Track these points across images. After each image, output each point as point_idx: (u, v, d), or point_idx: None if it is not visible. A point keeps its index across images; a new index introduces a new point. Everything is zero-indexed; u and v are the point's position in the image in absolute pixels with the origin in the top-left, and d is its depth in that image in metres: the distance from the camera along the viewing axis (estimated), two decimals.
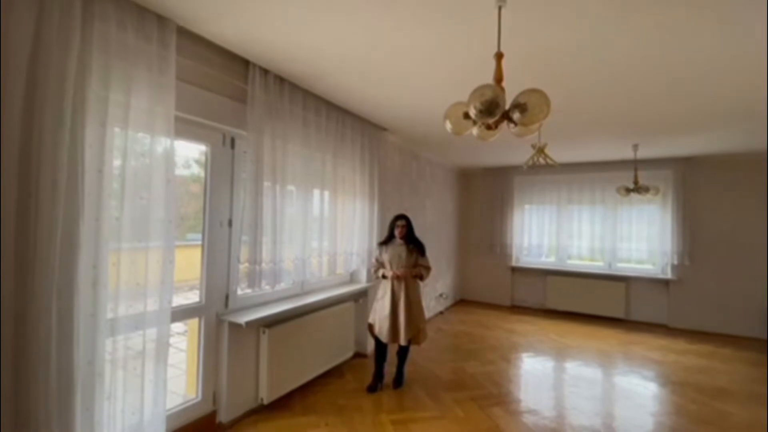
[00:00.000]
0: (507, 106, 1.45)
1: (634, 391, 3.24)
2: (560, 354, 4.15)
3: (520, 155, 5.39)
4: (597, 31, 1.92)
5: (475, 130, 1.69)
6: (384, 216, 3.98)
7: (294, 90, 2.73)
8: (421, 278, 3.14)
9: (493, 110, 1.41)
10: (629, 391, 3.26)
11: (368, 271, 3.83)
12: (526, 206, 6.38)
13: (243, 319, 2.45)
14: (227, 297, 2.56)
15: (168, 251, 1.92)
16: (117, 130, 1.75)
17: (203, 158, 2.48)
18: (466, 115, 1.56)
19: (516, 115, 1.43)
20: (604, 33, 1.95)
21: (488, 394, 3.10)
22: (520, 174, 6.31)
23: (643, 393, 3.22)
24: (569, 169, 5.72)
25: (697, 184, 5.13)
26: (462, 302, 6.60)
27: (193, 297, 2.50)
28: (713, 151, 4.72)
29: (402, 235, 3.13)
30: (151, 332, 1.92)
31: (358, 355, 3.77)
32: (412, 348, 3.27)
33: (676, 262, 5.20)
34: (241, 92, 2.44)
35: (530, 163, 3.30)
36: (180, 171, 2.83)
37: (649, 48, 2.09)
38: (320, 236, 3.08)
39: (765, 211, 4.75)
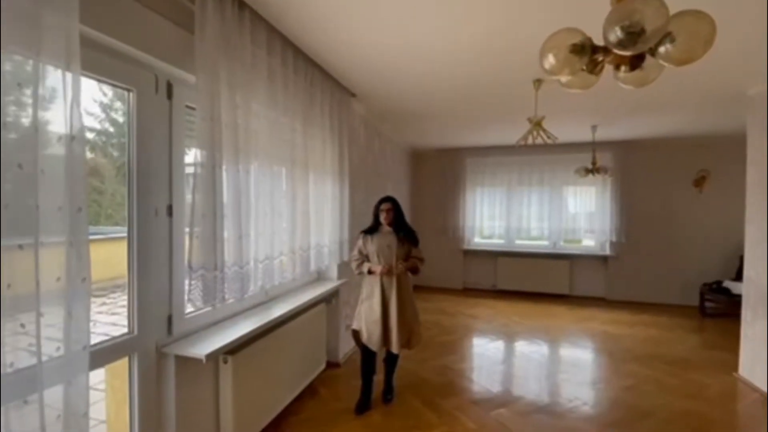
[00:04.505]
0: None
1: (621, 372, 3.21)
2: (531, 337, 4.08)
3: (475, 136, 5.22)
4: None
5: (565, 77, 1.23)
6: (353, 200, 3.40)
7: (257, 23, 1.97)
8: (416, 272, 2.66)
9: (638, 38, 0.97)
10: (617, 371, 3.24)
11: (339, 266, 3.23)
12: (478, 188, 6.29)
13: (199, 349, 1.70)
14: (170, 319, 1.76)
15: (75, 252, 1.13)
16: None
17: (125, 118, 1.63)
18: (576, 48, 1.10)
19: (665, 48, 1.00)
20: None
21: (487, 395, 2.81)
22: (471, 156, 6.19)
23: (630, 372, 3.19)
24: (520, 150, 5.71)
25: (633, 166, 5.50)
26: (415, 288, 6.27)
27: (121, 301, 1.67)
28: (650, 135, 5.05)
29: (389, 220, 2.61)
30: (53, 396, 1.14)
31: (330, 364, 3.18)
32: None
33: (614, 240, 5.58)
34: (186, 14, 1.64)
35: (524, 142, 2.99)
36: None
37: None
38: (292, 227, 2.38)
39: (691, 190, 5.30)
